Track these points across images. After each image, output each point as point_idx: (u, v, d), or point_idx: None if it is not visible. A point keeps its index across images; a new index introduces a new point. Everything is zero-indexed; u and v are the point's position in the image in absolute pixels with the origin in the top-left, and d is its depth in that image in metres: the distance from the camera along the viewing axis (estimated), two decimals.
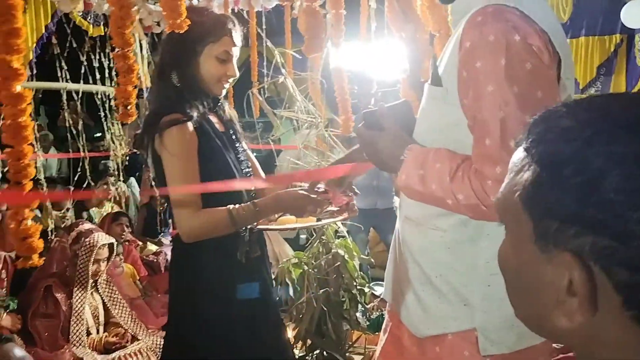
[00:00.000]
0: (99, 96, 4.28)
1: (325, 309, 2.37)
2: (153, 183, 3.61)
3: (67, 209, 3.94)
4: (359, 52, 3.06)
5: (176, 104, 1.52)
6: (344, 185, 1.51)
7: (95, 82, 4.20)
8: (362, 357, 2.55)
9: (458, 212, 1.00)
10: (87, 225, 2.83)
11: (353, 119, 2.88)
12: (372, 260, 2.85)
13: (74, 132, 3.97)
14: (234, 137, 1.66)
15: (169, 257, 3.06)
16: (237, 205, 1.46)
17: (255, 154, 1.83)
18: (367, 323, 2.68)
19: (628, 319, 0.45)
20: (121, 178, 4.49)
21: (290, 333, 2.48)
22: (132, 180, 5.22)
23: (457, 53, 1.00)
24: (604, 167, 0.43)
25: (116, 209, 4.14)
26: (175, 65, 1.55)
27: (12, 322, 2.48)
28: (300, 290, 2.45)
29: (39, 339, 2.46)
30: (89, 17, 4.04)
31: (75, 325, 2.52)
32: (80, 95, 4.13)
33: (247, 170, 1.66)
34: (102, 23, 4.05)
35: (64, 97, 4.12)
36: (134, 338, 2.63)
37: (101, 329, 2.67)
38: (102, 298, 2.71)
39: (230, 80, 1.60)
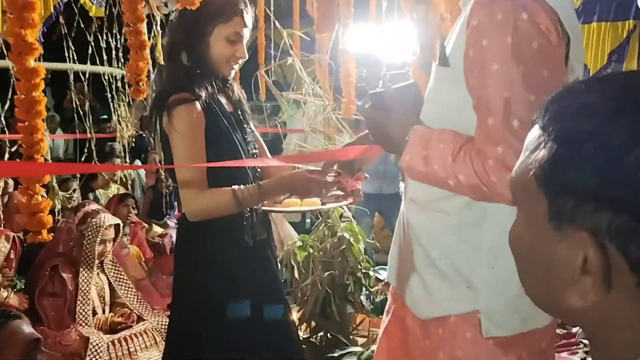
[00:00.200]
0: (106, 77, 4.27)
1: (329, 291, 2.38)
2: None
3: (74, 190, 3.96)
4: (369, 34, 3.03)
5: (185, 83, 1.52)
6: (355, 170, 1.50)
7: (102, 63, 4.18)
8: (365, 339, 2.56)
9: (460, 192, 1.00)
10: (94, 206, 2.83)
11: (356, 102, 2.86)
12: (377, 244, 2.85)
13: (81, 113, 3.96)
14: (241, 117, 1.65)
15: (174, 239, 3.08)
16: (241, 186, 1.46)
17: (262, 137, 1.82)
18: (371, 306, 2.69)
19: None
20: (127, 160, 4.49)
21: (294, 315, 2.49)
22: (138, 162, 5.22)
23: (465, 32, 0.99)
24: (626, 143, 0.42)
25: (122, 190, 4.15)
26: (185, 45, 1.55)
27: (20, 301, 2.50)
28: (305, 273, 2.46)
29: (45, 318, 2.48)
30: None
31: (81, 305, 2.54)
32: (87, 76, 4.12)
33: (254, 151, 1.66)
34: (105, 3, 4.03)
35: (71, 77, 4.12)
36: (140, 318, 2.65)
37: (107, 309, 2.69)
38: (108, 278, 2.73)
39: (240, 61, 1.60)
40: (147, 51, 1.61)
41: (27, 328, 2.08)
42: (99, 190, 4.19)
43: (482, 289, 1.06)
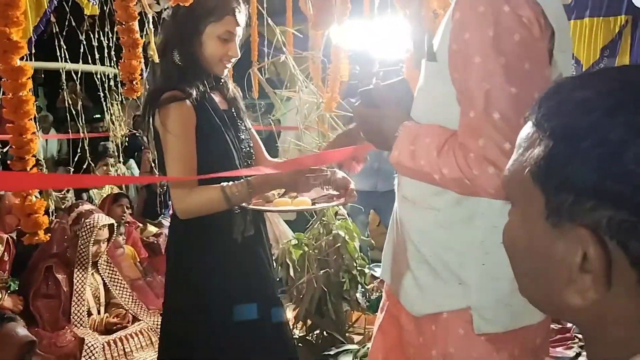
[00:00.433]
0: (98, 76, 4.24)
1: (325, 289, 2.38)
2: (153, 164, 3.60)
3: (67, 190, 3.93)
4: (361, 31, 3.02)
5: (177, 81, 1.52)
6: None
7: (94, 62, 4.16)
8: (361, 337, 2.56)
9: (445, 187, 1.00)
10: (87, 206, 2.82)
11: (349, 100, 2.85)
12: (372, 241, 2.85)
13: (73, 112, 3.94)
14: (235, 115, 1.65)
15: None
16: (230, 183, 1.47)
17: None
18: (367, 304, 2.69)
19: None
20: (120, 159, 4.46)
21: (290, 313, 2.49)
22: (132, 161, 5.20)
23: (450, 26, 0.99)
24: (624, 138, 0.42)
25: (116, 190, 4.13)
26: (177, 43, 1.55)
27: (14, 303, 2.49)
28: (301, 271, 2.45)
29: (40, 319, 2.47)
30: None
31: (76, 305, 2.53)
32: (79, 75, 4.10)
33: (247, 149, 1.65)
34: (99, 1, 4.00)
35: (63, 77, 4.09)
36: (135, 318, 2.64)
37: (102, 309, 2.68)
38: (102, 279, 2.72)
39: (233, 60, 1.59)
40: (140, 49, 1.60)
41: (21, 330, 2.07)
42: (93, 190, 4.16)
43: (473, 285, 1.06)
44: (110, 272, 2.76)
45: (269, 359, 1.64)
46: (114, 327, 2.54)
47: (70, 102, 3.98)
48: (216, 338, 1.58)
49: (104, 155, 4.65)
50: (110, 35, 4.09)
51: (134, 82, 1.58)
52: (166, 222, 4.04)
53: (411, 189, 1.13)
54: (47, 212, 3.45)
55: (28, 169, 1.50)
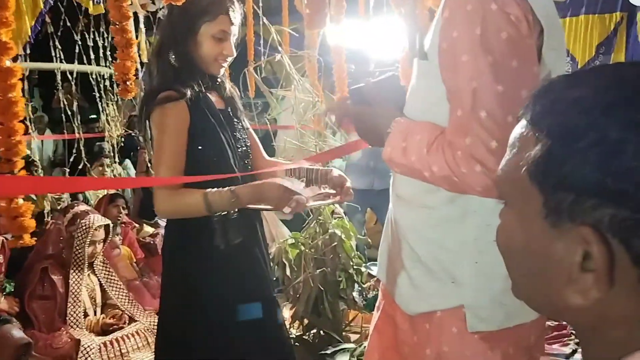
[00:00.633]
0: (94, 77, 4.23)
1: (322, 288, 2.38)
2: (149, 165, 3.59)
3: None
4: (357, 30, 3.01)
5: (172, 82, 1.53)
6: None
7: (89, 63, 4.14)
8: (358, 336, 2.56)
9: (435, 184, 1.00)
10: (83, 207, 2.81)
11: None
12: (369, 240, 2.85)
13: (69, 113, 3.92)
14: (232, 114, 1.65)
15: None
16: (214, 190, 1.45)
17: None
18: (364, 302, 2.69)
19: None
20: (116, 160, 4.45)
21: (287, 313, 2.49)
22: (128, 161, 5.18)
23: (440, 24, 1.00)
24: (623, 135, 0.42)
25: (112, 190, 4.11)
26: (172, 44, 1.56)
27: (9, 305, 2.47)
28: (297, 271, 2.45)
29: (36, 320, 2.46)
30: None
31: (72, 306, 2.52)
32: (74, 75, 4.08)
33: (244, 148, 1.65)
34: (102, 1, 3.98)
35: (59, 77, 4.07)
36: (131, 319, 2.63)
37: (98, 310, 2.67)
38: (99, 280, 2.71)
39: (228, 59, 1.59)
40: (134, 49, 1.60)
41: (17, 332, 2.06)
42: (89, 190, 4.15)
43: (466, 283, 1.06)
44: (107, 272, 2.75)
45: (266, 359, 1.64)
46: (111, 328, 2.53)
47: (65, 103, 3.96)
48: (213, 338, 1.57)
49: (99, 156, 4.63)
50: (105, 35, 4.07)
51: (128, 83, 1.59)
52: (162, 222, 4.02)
53: (405, 187, 1.14)
54: (42, 213, 3.46)
55: (16, 171, 1.49)
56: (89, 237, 2.59)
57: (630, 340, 0.45)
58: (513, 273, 0.54)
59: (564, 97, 0.46)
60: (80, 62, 4.09)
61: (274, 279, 2.28)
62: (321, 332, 2.45)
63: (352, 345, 2.35)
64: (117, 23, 1.74)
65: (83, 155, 3.93)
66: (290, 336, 2.23)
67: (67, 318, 2.49)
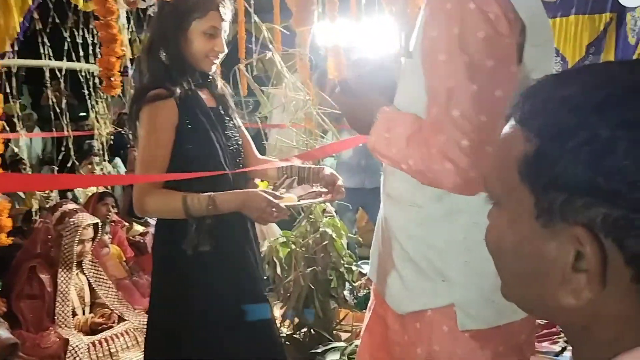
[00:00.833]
0: (83, 74, 4.19)
1: (312, 287, 2.37)
2: None
3: (51, 189, 3.88)
4: (349, 28, 3.01)
5: (162, 79, 1.52)
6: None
7: (79, 60, 4.10)
8: (349, 334, 2.56)
9: (412, 176, 1.02)
10: (71, 205, 2.78)
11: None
12: (360, 239, 2.85)
13: (58, 110, 3.89)
14: (223, 112, 1.64)
15: None
16: (193, 194, 1.44)
17: None
18: (355, 301, 2.69)
19: (635, 292, 0.43)
20: (106, 158, 4.42)
21: (277, 311, 2.48)
22: (118, 160, 5.15)
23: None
24: (614, 133, 0.41)
25: (101, 188, 4.08)
26: (162, 41, 1.55)
27: None
28: (288, 269, 2.44)
29: (23, 320, 2.43)
30: None
31: (60, 306, 2.49)
32: (63, 72, 4.04)
33: (235, 146, 1.64)
34: None
35: (47, 74, 4.03)
36: (121, 318, 2.61)
37: (87, 309, 2.65)
38: (87, 279, 2.68)
39: (220, 55, 1.58)
40: (119, 45, 1.58)
41: (3, 333, 2.04)
42: (77, 189, 4.11)
43: (456, 282, 1.06)
44: (95, 271, 2.72)
45: (257, 358, 1.63)
46: (99, 328, 2.52)
47: (54, 100, 3.92)
48: (203, 337, 1.56)
49: (89, 154, 4.59)
50: (95, 32, 4.04)
51: (112, 79, 1.57)
52: (152, 221, 4.00)
53: (394, 186, 1.14)
54: (30, 212, 3.42)
55: None
56: (78, 236, 2.57)
57: (621, 340, 0.45)
58: (503, 274, 0.53)
59: (554, 96, 0.46)
60: (70, 59, 4.05)
61: (265, 277, 2.27)
62: (312, 330, 2.45)
63: (342, 344, 2.35)
64: (102, 18, 1.72)
65: (72, 153, 3.90)
66: (281, 335, 2.22)
67: (56, 317, 2.47)
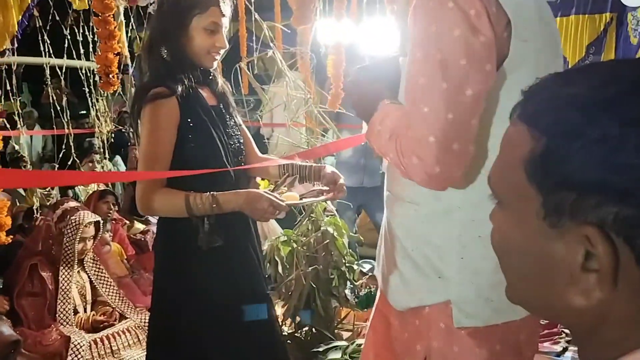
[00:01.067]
0: (83, 72, 4.18)
1: (314, 286, 2.37)
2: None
3: (52, 187, 3.88)
4: (350, 27, 3.01)
5: (164, 77, 1.52)
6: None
7: (79, 57, 4.09)
8: (350, 333, 2.56)
9: (396, 167, 1.05)
10: (73, 203, 2.78)
11: (342, 95, 2.85)
12: (361, 238, 2.85)
13: (58, 108, 3.88)
14: (224, 110, 1.64)
15: None
16: (196, 194, 1.45)
17: None
18: (356, 300, 2.70)
19: None
20: (106, 156, 4.41)
21: (279, 310, 2.49)
22: (118, 158, 5.15)
23: None
24: (623, 131, 0.41)
25: (102, 186, 4.08)
26: (164, 38, 1.54)
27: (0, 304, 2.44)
28: (290, 268, 2.45)
29: (25, 318, 2.43)
30: None
31: (62, 303, 2.50)
32: (63, 70, 4.03)
33: (237, 145, 1.64)
34: None
35: (48, 72, 4.02)
36: (122, 316, 2.62)
37: (88, 307, 2.65)
38: (89, 276, 2.68)
39: (221, 51, 1.58)
40: (117, 41, 1.57)
41: (6, 329, 2.04)
42: (78, 187, 4.11)
43: (452, 279, 1.07)
44: (97, 269, 2.72)
45: (258, 356, 1.63)
46: (101, 325, 2.51)
47: (54, 98, 3.92)
48: (204, 336, 1.57)
49: (89, 152, 4.59)
50: (95, 29, 4.03)
51: (110, 76, 1.57)
52: (153, 219, 4.00)
53: (394, 184, 1.16)
54: (31, 210, 3.42)
55: None
56: (79, 234, 2.57)
57: (628, 340, 0.44)
58: (509, 275, 0.53)
59: (560, 95, 0.46)
60: (70, 57, 4.04)
61: (267, 276, 2.28)
62: (313, 329, 2.45)
63: (344, 343, 2.35)
64: (100, 14, 1.71)
65: (73, 151, 3.89)
66: (283, 333, 2.23)
67: (57, 315, 2.47)
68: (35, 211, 3.35)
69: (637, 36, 4.57)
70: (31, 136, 5.49)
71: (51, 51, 3.89)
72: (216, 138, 1.56)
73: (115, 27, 1.64)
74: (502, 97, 0.99)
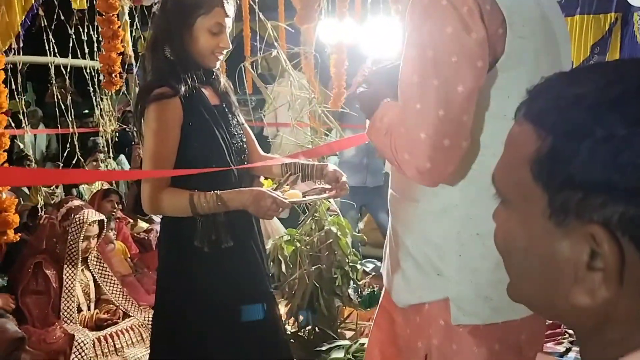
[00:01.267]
0: (88, 71, 4.19)
1: (317, 285, 2.38)
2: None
3: (57, 186, 3.89)
4: (354, 27, 3.01)
5: (167, 77, 1.52)
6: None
7: (83, 57, 4.10)
8: (353, 332, 2.56)
9: (392, 164, 1.07)
10: (77, 202, 2.79)
11: (345, 94, 2.85)
12: (364, 237, 2.86)
13: (62, 107, 3.89)
14: (227, 110, 1.64)
15: None
16: (200, 193, 1.46)
17: None
18: (359, 299, 2.70)
19: None
20: (111, 155, 4.42)
21: (282, 309, 2.49)
22: (122, 157, 5.16)
23: None
24: (630, 130, 0.41)
25: (106, 185, 4.09)
26: (167, 38, 1.54)
27: (4, 301, 2.45)
28: (293, 267, 2.45)
29: (29, 316, 2.44)
30: None
31: (66, 301, 2.51)
32: (68, 69, 4.04)
33: (239, 144, 1.65)
34: None
35: (52, 71, 4.04)
36: (126, 315, 2.62)
37: (92, 305, 2.66)
38: (92, 275, 2.69)
39: (224, 52, 1.58)
40: (120, 41, 1.57)
41: (11, 326, 2.05)
42: (83, 185, 4.13)
43: (451, 276, 1.07)
44: (101, 268, 2.73)
45: (262, 355, 1.63)
46: (105, 323, 2.52)
47: (59, 97, 3.93)
48: (209, 334, 1.57)
49: (93, 151, 4.60)
50: (100, 29, 4.04)
51: (113, 75, 1.57)
52: (157, 218, 4.01)
53: (396, 182, 1.17)
54: (35, 208, 3.43)
55: None
56: (83, 232, 2.58)
57: (631, 339, 0.44)
58: (513, 274, 0.53)
59: (566, 94, 0.45)
60: (74, 56, 4.05)
61: (270, 275, 2.28)
62: (316, 328, 2.46)
63: (347, 342, 2.36)
64: (104, 14, 1.71)
65: (77, 150, 3.90)
66: (286, 332, 2.23)
67: (61, 313, 2.48)
68: (39, 210, 3.36)
69: None
70: (35, 135, 5.51)
71: (56, 50, 3.90)
72: (219, 137, 1.56)
73: (118, 27, 1.63)
74: (499, 93, 0.99)
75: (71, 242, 2.58)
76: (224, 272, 1.58)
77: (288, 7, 2.98)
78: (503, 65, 0.98)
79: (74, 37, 3.94)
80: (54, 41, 3.86)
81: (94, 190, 3.84)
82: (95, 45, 4.09)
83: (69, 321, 2.47)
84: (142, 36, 4.24)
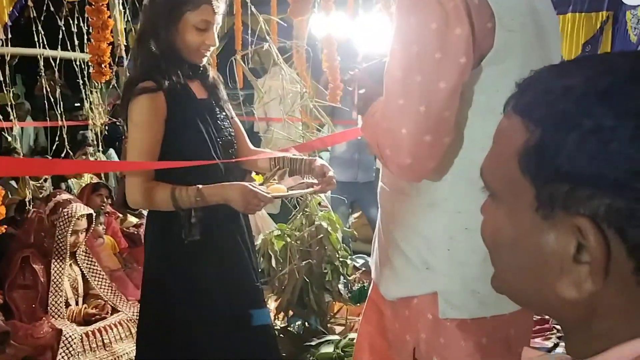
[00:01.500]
0: (78, 63, 4.15)
1: (307, 280, 2.37)
2: None
3: (45, 179, 3.86)
4: (346, 22, 3.00)
5: (153, 71, 1.51)
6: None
7: (73, 49, 4.06)
8: (343, 328, 2.56)
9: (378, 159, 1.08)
10: (65, 196, 2.76)
11: (342, 87, 2.85)
12: (355, 232, 2.86)
13: (52, 100, 3.85)
14: (214, 103, 1.63)
15: None
16: (182, 187, 1.46)
17: None
18: (349, 295, 2.70)
19: (636, 285, 0.43)
20: (100, 148, 4.39)
21: (272, 304, 2.49)
22: (112, 151, 5.12)
23: None
24: (618, 123, 0.41)
25: (95, 179, 4.06)
26: (153, 33, 1.54)
27: None
28: (283, 262, 2.44)
29: (16, 310, 2.42)
30: None
31: (53, 296, 2.48)
32: (57, 62, 4.00)
33: (228, 137, 1.64)
34: None
35: (41, 63, 3.99)
36: (114, 309, 2.60)
37: (80, 300, 2.64)
38: (81, 269, 2.67)
39: (211, 49, 1.57)
40: (110, 31, 1.55)
41: None
42: (72, 179, 4.09)
43: (439, 270, 1.07)
44: (89, 262, 2.71)
45: (250, 349, 1.63)
46: (93, 318, 2.50)
47: (48, 90, 3.88)
48: (195, 328, 1.56)
49: (83, 145, 4.56)
50: (90, 20, 3.99)
51: (103, 66, 1.55)
52: (146, 212, 3.98)
53: (386, 174, 1.17)
54: (23, 202, 3.40)
55: None
56: (71, 227, 2.55)
57: (617, 332, 0.44)
58: (500, 267, 0.53)
59: (555, 86, 0.45)
60: (64, 49, 4.01)
61: (260, 270, 2.27)
62: (306, 323, 2.45)
63: (336, 337, 2.36)
64: (93, 3, 1.69)
65: (66, 143, 3.86)
66: (275, 327, 2.23)
67: (49, 308, 2.46)
68: (27, 203, 3.33)
69: (637, 34, 4.58)
70: (22, 128, 5.45)
71: (45, 42, 3.85)
72: (204, 132, 1.55)
73: (108, 17, 1.62)
74: (488, 87, 0.99)
75: (59, 236, 2.55)
76: (209, 265, 1.57)
77: (281, 1, 2.97)
78: (492, 59, 0.97)
79: (63, 29, 3.89)
80: (43, 33, 3.81)
81: (83, 184, 3.81)
82: (85, 37, 4.05)
83: (56, 316, 2.45)
84: (133, 29, 4.21)
